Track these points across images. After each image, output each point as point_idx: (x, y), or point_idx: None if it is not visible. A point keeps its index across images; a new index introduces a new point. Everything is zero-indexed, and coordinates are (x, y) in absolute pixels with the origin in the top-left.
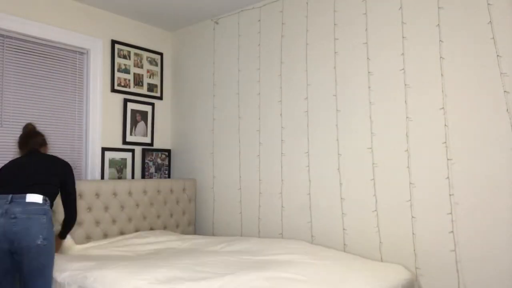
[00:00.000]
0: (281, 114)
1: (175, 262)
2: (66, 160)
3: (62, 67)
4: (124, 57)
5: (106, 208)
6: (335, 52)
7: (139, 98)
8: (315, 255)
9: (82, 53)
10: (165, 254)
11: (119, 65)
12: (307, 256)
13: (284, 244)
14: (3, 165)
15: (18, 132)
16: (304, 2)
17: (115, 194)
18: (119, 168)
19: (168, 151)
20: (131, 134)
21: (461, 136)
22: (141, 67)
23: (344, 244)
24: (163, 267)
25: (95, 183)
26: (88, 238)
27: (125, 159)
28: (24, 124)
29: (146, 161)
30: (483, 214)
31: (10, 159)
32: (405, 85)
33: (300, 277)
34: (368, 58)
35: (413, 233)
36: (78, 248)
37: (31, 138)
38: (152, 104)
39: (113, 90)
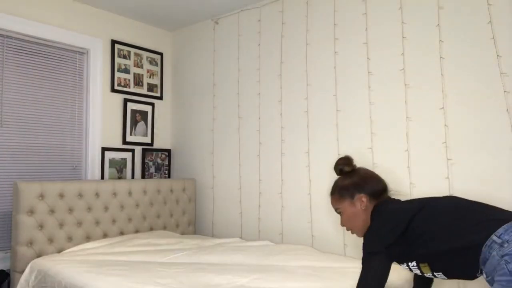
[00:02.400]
0: (281, 114)
1: (175, 269)
2: (66, 159)
3: (62, 67)
4: (124, 57)
5: (106, 208)
6: (335, 52)
7: (139, 98)
8: (314, 257)
9: (82, 53)
10: (165, 259)
11: (119, 65)
12: (306, 258)
13: (283, 248)
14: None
15: (18, 132)
16: (304, 2)
17: (115, 194)
18: (119, 168)
19: (168, 151)
20: (131, 134)
21: (461, 136)
22: (141, 67)
23: (344, 244)
24: (163, 277)
25: (95, 183)
26: (88, 238)
27: (125, 159)
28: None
29: (146, 161)
30: None
31: (10, 159)
32: (405, 85)
33: (299, 273)
34: (368, 58)
35: None
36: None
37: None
38: (152, 104)
39: (113, 90)
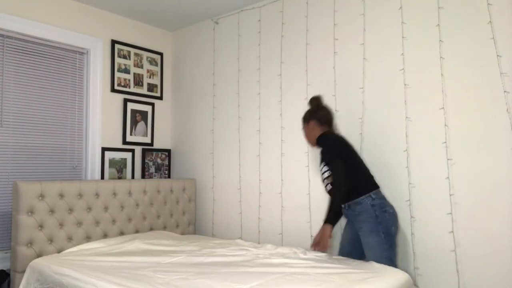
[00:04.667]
0: (281, 114)
1: (176, 275)
2: (66, 159)
3: (62, 67)
4: (124, 57)
5: (106, 208)
6: (335, 52)
7: (139, 98)
8: (311, 259)
9: (82, 53)
10: (165, 262)
11: (119, 65)
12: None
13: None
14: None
15: (18, 132)
16: (304, 2)
17: (115, 194)
18: (119, 168)
19: (168, 151)
20: (131, 134)
21: (461, 136)
22: (141, 67)
23: None
24: (163, 283)
25: (95, 183)
26: (88, 238)
27: (125, 159)
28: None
29: (146, 161)
30: (483, 214)
31: (10, 159)
32: (405, 85)
33: (299, 278)
34: (367, 58)
35: (412, 233)
36: (75, 250)
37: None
38: (152, 104)
39: (113, 90)
